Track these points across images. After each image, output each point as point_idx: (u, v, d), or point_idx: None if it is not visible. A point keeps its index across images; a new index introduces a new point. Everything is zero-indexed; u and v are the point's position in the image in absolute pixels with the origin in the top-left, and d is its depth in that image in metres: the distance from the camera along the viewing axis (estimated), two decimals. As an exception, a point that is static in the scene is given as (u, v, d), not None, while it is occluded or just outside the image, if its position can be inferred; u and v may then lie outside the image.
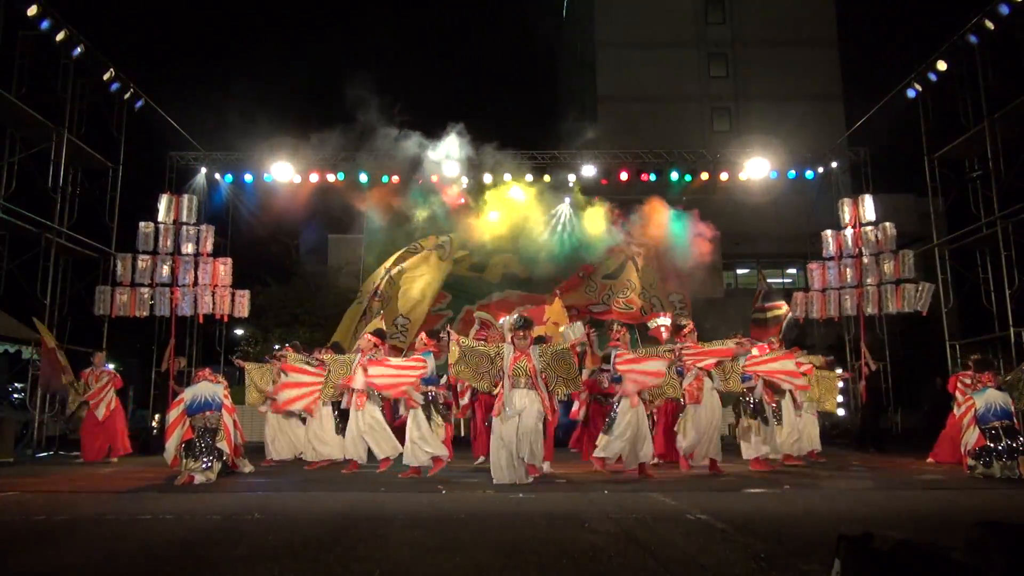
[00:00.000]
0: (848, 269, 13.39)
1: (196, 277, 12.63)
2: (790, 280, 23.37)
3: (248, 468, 8.31)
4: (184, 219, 12.76)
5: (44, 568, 3.15)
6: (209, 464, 7.03)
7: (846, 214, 13.57)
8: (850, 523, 4.25)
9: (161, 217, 12.56)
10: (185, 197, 12.88)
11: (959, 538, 1.72)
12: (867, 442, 12.20)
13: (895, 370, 14.53)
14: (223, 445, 7.39)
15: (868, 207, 13.27)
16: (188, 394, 7.42)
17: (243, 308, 13.18)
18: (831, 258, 13.66)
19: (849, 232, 13.44)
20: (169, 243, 12.52)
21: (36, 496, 6.13)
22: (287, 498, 6.05)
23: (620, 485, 6.68)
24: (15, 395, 13.57)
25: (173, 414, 7.39)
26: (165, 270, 12.39)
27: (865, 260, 13.10)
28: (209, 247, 12.87)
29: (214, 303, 12.72)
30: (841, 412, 16.56)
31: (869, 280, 13.03)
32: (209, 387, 7.44)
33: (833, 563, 1.84)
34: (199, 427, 7.17)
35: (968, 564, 1.57)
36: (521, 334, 7.21)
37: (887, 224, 12.99)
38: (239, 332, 16.15)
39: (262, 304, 18.04)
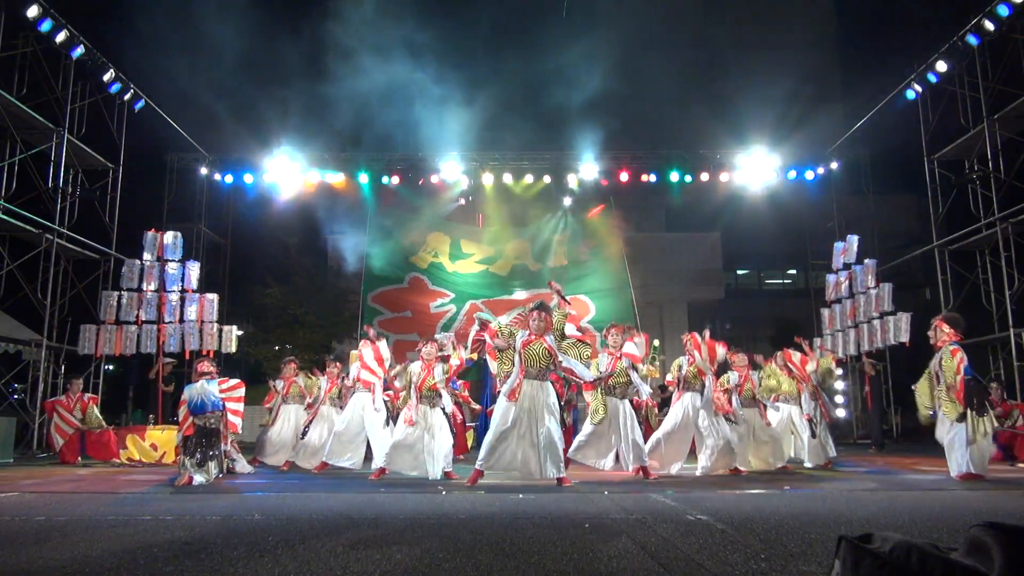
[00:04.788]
0: (846, 311, 13.59)
1: (182, 314, 12.39)
2: (790, 281, 23.39)
3: (249, 469, 8.31)
4: (168, 256, 12.36)
5: (44, 568, 3.15)
6: (205, 463, 7.00)
7: (837, 257, 13.65)
8: (850, 523, 4.25)
9: (146, 255, 12.24)
10: (169, 234, 12.46)
11: (959, 538, 1.72)
12: (878, 442, 12.23)
13: (895, 371, 14.53)
14: (221, 446, 7.37)
15: (853, 248, 13.32)
16: (186, 394, 7.37)
17: (231, 343, 12.98)
18: (837, 301, 13.83)
19: (843, 274, 13.59)
20: (154, 281, 12.21)
21: (36, 496, 6.13)
22: (287, 498, 6.05)
23: (620, 486, 6.69)
24: (15, 395, 13.57)
25: (181, 412, 7.37)
26: (151, 308, 12.14)
27: (859, 300, 13.23)
28: (194, 283, 12.55)
29: (201, 339, 12.47)
30: (842, 413, 16.62)
31: (861, 317, 13.15)
32: (205, 387, 7.35)
33: (833, 564, 1.83)
34: (199, 426, 7.16)
35: (968, 564, 1.57)
36: (536, 315, 6.72)
37: (868, 261, 13.08)
38: (239, 333, 16.16)
39: (263, 305, 18.08)
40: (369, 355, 8.37)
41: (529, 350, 6.56)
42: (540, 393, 6.53)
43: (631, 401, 7.90)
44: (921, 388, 7.69)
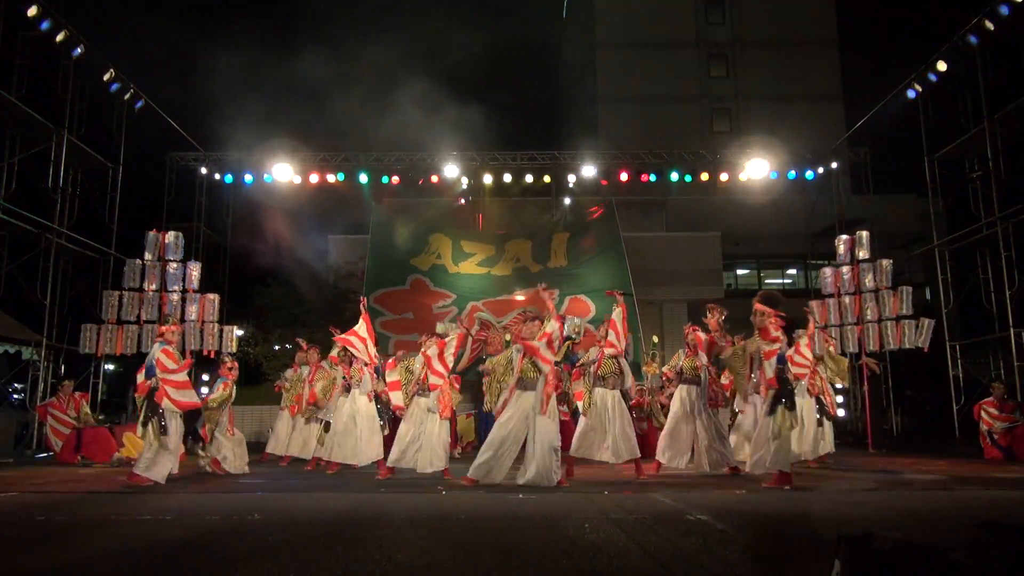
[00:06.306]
0: (848, 306, 12.89)
1: (183, 314, 12.27)
2: (790, 281, 23.39)
3: (244, 469, 8.25)
4: (169, 256, 12.25)
5: (44, 568, 3.15)
6: (147, 423, 6.97)
7: (842, 250, 13.02)
8: (850, 523, 4.25)
9: (147, 255, 12.13)
10: (170, 234, 12.38)
11: (959, 538, 1.72)
12: (878, 442, 12.20)
13: (895, 371, 14.52)
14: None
15: (864, 244, 12.81)
16: (147, 361, 7.36)
17: (231, 343, 12.85)
18: (831, 295, 13.12)
19: (847, 269, 12.91)
20: (155, 281, 12.10)
21: (36, 496, 6.13)
22: (287, 498, 6.05)
23: (620, 485, 6.69)
24: (15, 395, 13.57)
25: (140, 377, 7.30)
26: (152, 308, 12.06)
27: (864, 297, 12.62)
28: (195, 283, 12.42)
29: (202, 339, 12.35)
30: (841, 413, 16.59)
31: (869, 316, 12.51)
32: (154, 349, 7.26)
33: (833, 563, 1.83)
34: (151, 388, 7.11)
35: (968, 564, 1.57)
36: (529, 326, 6.91)
37: (884, 261, 12.53)
38: (240, 333, 16.18)
39: (263, 305, 18.08)
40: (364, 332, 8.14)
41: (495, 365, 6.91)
42: (532, 400, 6.62)
43: (626, 394, 7.95)
44: (738, 367, 7.37)
